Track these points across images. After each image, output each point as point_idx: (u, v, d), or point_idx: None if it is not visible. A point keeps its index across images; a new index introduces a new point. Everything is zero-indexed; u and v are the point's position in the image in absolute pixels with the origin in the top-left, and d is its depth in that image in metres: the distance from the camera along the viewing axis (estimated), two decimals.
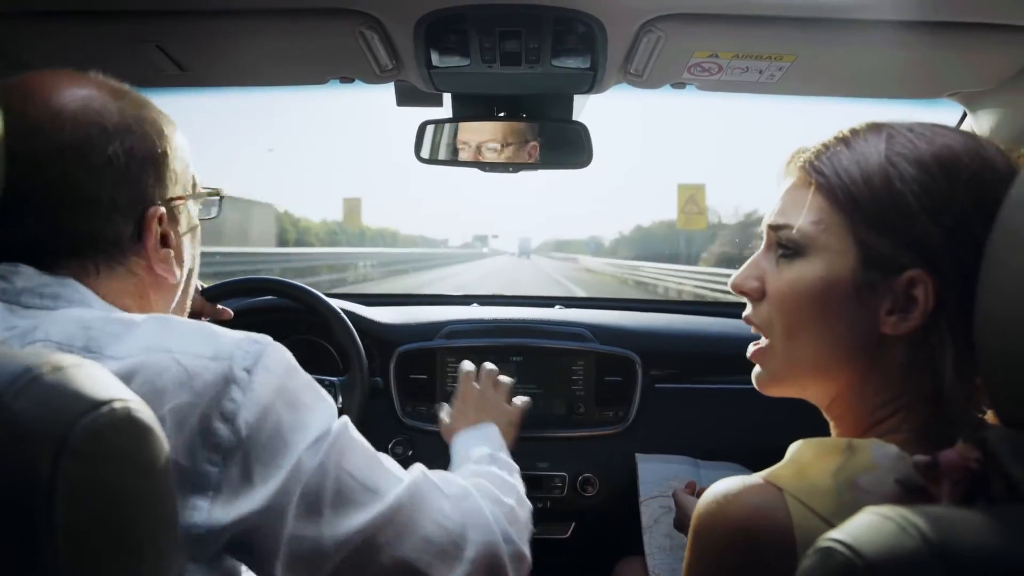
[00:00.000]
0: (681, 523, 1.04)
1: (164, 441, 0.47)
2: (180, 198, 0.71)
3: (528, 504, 0.85)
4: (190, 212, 0.75)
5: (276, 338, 0.64)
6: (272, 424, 0.60)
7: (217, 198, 0.81)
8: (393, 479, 0.68)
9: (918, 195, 0.58)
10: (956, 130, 0.62)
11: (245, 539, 0.59)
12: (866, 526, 0.38)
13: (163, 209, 0.68)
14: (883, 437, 0.59)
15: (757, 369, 0.69)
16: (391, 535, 0.66)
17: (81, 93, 0.64)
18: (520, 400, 1.12)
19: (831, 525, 0.52)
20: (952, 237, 0.57)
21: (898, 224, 0.58)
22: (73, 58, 0.69)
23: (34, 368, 0.40)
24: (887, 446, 0.57)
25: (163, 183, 0.69)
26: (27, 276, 0.61)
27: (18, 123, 0.57)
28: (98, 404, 0.41)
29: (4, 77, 0.64)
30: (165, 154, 0.68)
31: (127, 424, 0.43)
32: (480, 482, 0.80)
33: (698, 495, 1.08)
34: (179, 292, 0.75)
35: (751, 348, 0.69)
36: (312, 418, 0.63)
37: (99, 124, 0.64)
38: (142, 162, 0.66)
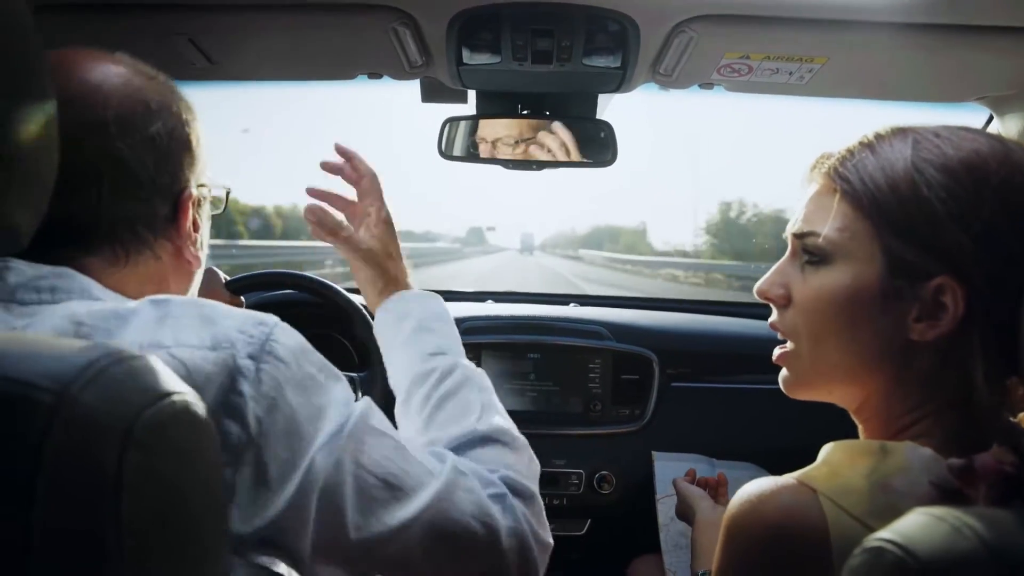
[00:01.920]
0: (683, 513, 1.04)
1: (216, 435, 0.46)
2: (205, 186, 0.70)
3: (536, 461, 0.76)
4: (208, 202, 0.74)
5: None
6: (286, 416, 0.55)
7: (225, 193, 0.78)
8: (423, 472, 0.63)
9: (945, 201, 0.57)
10: (983, 133, 0.61)
11: (272, 542, 0.56)
12: (918, 526, 0.38)
13: (196, 193, 0.67)
14: (914, 441, 0.59)
15: (784, 372, 0.69)
16: (426, 535, 0.62)
17: (120, 70, 0.62)
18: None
19: (866, 526, 0.52)
20: (980, 243, 0.56)
21: (925, 231, 0.58)
22: (104, 50, 0.67)
23: (99, 360, 0.39)
24: (921, 448, 0.57)
25: (194, 168, 0.68)
26: (18, 271, 0.57)
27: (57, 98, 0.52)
28: (160, 397, 0.41)
29: None
30: (195, 139, 0.68)
31: (186, 417, 0.43)
32: (505, 459, 0.72)
33: (699, 483, 1.08)
34: (197, 280, 0.73)
35: (777, 351, 0.69)
36: (329, 402, 0.60)
37: (143, 101, 0.62)
38: (180, 144, 0.65)
